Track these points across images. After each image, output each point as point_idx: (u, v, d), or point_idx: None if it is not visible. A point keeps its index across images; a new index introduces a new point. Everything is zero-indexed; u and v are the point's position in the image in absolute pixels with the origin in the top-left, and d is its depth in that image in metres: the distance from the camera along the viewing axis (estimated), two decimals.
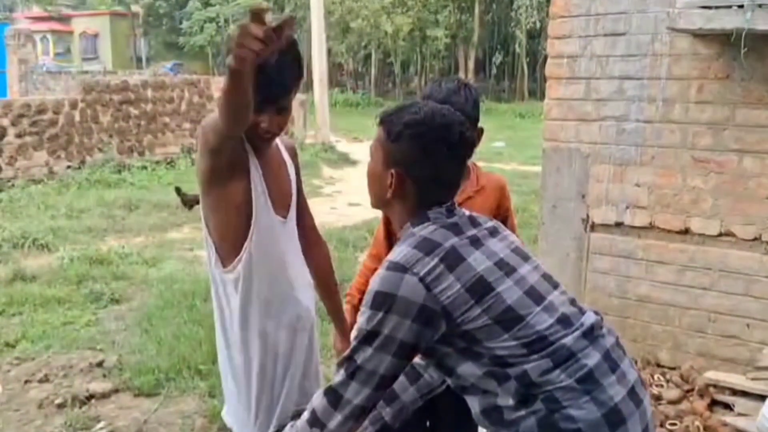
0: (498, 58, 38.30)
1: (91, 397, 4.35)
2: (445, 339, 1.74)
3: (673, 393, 4.21)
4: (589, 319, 1.80)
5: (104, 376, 4.67)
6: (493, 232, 1.90)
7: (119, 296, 6.31)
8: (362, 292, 2.78)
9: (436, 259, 1.73)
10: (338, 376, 1.80)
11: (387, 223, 2.74)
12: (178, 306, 5.89)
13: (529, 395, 1.68)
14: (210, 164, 2.09)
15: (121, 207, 10.22)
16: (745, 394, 4.00)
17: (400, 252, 1.78)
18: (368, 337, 1.75)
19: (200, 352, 4.84)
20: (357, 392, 1.77)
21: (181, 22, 43.39)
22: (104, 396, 4.38)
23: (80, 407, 4.22)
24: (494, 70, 39.39)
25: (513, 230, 2.66)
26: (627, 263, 4.67)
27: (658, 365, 4.56)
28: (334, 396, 1.80)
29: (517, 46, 35.76)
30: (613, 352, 1.77)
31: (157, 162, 14.04)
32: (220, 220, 2.17)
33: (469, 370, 1.75)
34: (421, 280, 1.71)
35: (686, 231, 4.45)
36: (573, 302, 1.87)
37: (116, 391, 4.47)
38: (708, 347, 4.45)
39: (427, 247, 1.76)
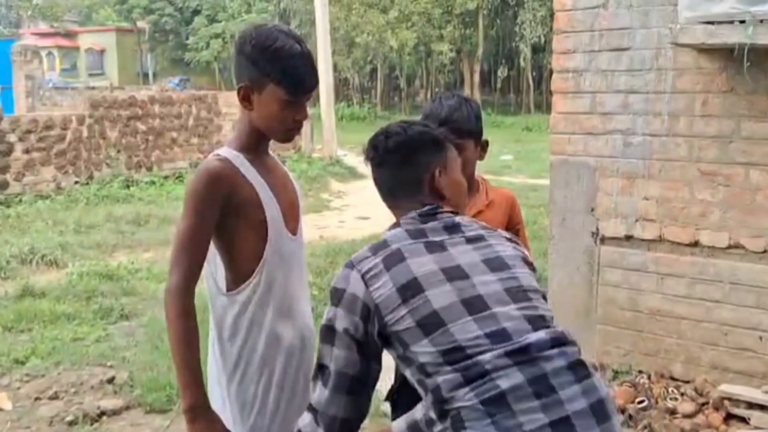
0: (503, 72, 38.43)
1: (102, 414, 4.35)
2: (386, 341, 1.75)
3: (688, 406, 4.20)
4: (533, 338, 1.64)
5: (115, 392, 4.67)
6: (473, 240, 1.85)
7: (129, 312, 6.31)
8: None
9: (378, 259, 1.77)
10: (315, 390, 1.82)
11: None
12: None
13: (443, 410, 1.60)
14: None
15: (129, 222, 10.26)
16: (761, 407, 4.00)
17: (358, 252, 1.85)
18: (327, 334, 1.78)
19: None
20: (332, 401, 1.78)
21: (187, 38, 43.74)
22: (115, 413, 4.39)
23: (91, 424, 4.23)
24: (499, 84, 39.51)
25: (525, 243, 2.65)
26: (638, 276, 4.68)
27: (672, 379, 4.55)
28: (313, 411, 1.82)
29: (521, 60, 35.88)
30: (554, 377, 1.59)
31: (165, 177, 14.12)
32: (233, 243, 2.14)
33: (409, 376, 1.74)
34: (362, 276, 1.75)
35: (696, 243, 4.46)
36: (534, 319, 1.70)
37: (127, 407, 4.48)
38: (721, 360, 4.44)
39: (377, 247, 1.82)
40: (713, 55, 4.27)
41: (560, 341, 1.66)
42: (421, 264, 1.75)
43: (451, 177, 2.00)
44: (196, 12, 43.74)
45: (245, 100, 2.12)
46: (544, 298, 1.82)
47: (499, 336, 1.64)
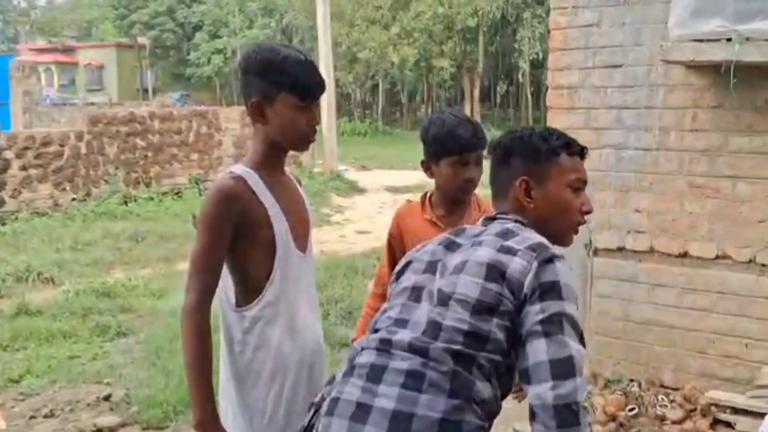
0: (502, 87, 38.64)
1: (98, 431, 4.36)
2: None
3: (676, 413, 4.28)
4: (399, 336, 1.72)
5: (111, 410, 4.66)
6: (474, 243, 1.84)
7: (126, 329, 6.28)
8: (360, 331, 2.78)
9: None
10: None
11: (392, 259, 2.75)
12: None
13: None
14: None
15: (127, 239, 10.21)
16: (745, 412, 4.07)
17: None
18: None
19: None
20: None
21: (188, 54, 43.95)
22: (112, 430, 4.39)
23: None
24: (499, 99, 39.71)
25: None
26: (629, 287, 4.75)
27: (662, 386, 4.62)
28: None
29: (520, 75, 36.09)
30: (388, 373, 1.68)
31: (164, 193, 14.07)
32: (243, 260, 2.17)
33: None
34: None
35: (685, 254, 4.53)
36: (430, 323, 1.72)
37: (124, 425, 4.47)
38: (709, 367, 4.51)
39: None
40: (702, 72, 4.35)
41: (418, 350, 1.67)
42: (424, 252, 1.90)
43: (546, 191, 1.90)
44: (198, 27, 44.03)
45: (258, 115, 2.16)
46: (477, 309, 1.69)
47: (399, 323, 1.77)
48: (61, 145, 12.67)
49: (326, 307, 6.31)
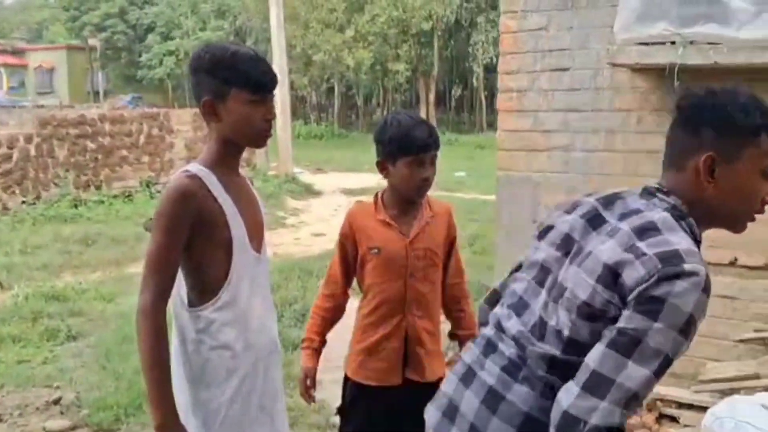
0: (457, 91, 38.99)
1: None
2: None
3: None
4: (505, 320, 1.78)
5: (61, 413, 4.62)
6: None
7: (76, 333, 6.23)
8: (321, 335, 2.83)
9: None
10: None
11: (344, 259, 2.76)
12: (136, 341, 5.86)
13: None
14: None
15: (77, 242, 10.08)
16: (690, 406, 4.18)
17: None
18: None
19: None
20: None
21: (140, 56, 43.44)
22: None
23: None
24: (453, 103, 40.04)
25: (457, 251, 2.86)
26: None
27: None
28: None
29: (474, 79, 36.44)
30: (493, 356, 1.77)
31: (115, 196, 13.88)
32: (199, 260, 2.15)
33: None
34: None
35: None
36: (541, 323, 1.71)
37: (74, 428, 4.44)
38: None
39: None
40: (647, 75, 4.45)
41: (521, 346, 1.69)
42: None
43: (733, 173, 1.64)
44: (150, 29, 43.56)
45: (211, 113, 2.15)
46: (582, 313, 1.60)
47: (519, 307, 1.77)
48: (10, 148, 12.45)
49: (280, 308, 6.31)
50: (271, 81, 2.18)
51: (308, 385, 2.81)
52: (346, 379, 2.81)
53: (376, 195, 2.77)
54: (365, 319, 2.74)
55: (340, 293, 2.82)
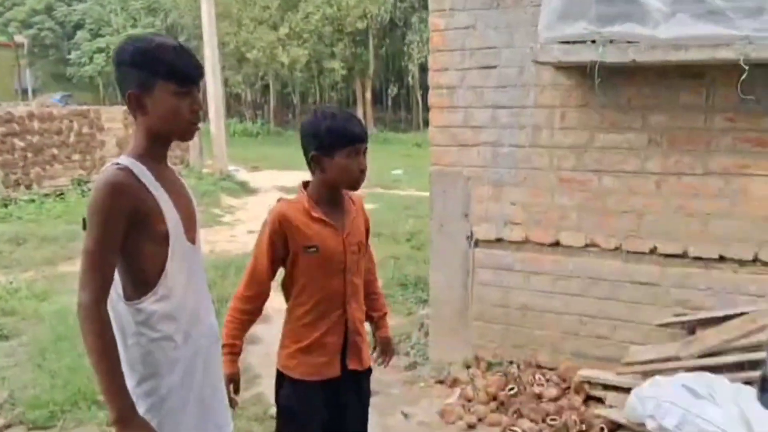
0: (393, 90, 39.13)
1: None
2: None
3: (552, 391, 4.56)
4: None
5: None
6: None
7: (9, 332, 6.15)
8: (241, 339, 2.72)
9: None
10: None
11: (273, 259, 2.67)
12: (72, 339, 5.77)
13: None
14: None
15: (7, 242, 9.88)
16: (615, 388, 4.39)
17: None
18: None
19: (97, 384, 4.84)
20: None
21: (69, 53, 42.32)
22: None
23: None
24: (390, 102, 40.18)
25: (368, 237, 2.92)
26: (507, 275, 5.03)
27: (539, 367, 4.92)
28: None
29: (410, 78, 36.63)
30: None
31: (46, 195, 13.57)
32: (135, 253, 2.13)
33: None
34: None
35: (557, 244, 4.84)
36: None
37: (9, 426, 4.42)
38: (581, 348, 4.84)
39: None
40: (570, 73, 4.64)
41: None
42: None
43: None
44: (79, 26, 42.47)
45: (137, 106, 2.13)
46: None
47: None
48: None
49: (217, 305, 6.24)
50: (196, 72, 2.17)
51: (232, 391, 2.69)
52: (281, 375, 2.77)
53: (304, 192, 2.71)
54: (302, 318, 2.70)
55: (265, 294, 2.74)
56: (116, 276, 2.14)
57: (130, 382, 2.16)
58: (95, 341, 2.02)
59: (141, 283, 2.15)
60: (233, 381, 2.67)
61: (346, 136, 2.59)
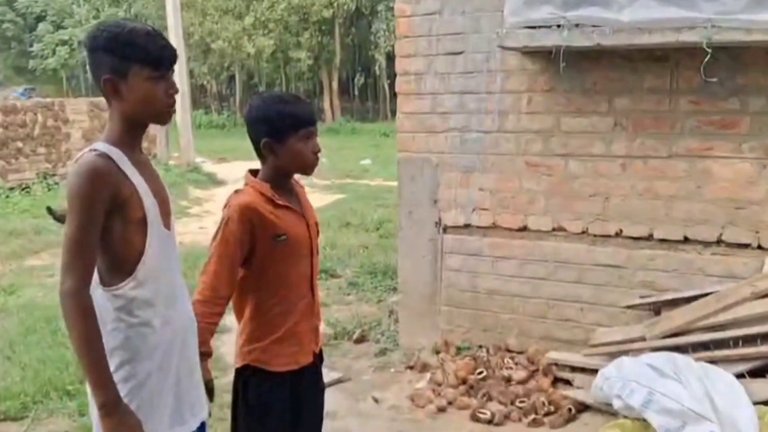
0: (360, 79, 39.02)
1: None
2: None
3: (521, 374, 4.62)
4: None
5: None
6: None
7: None
8: (201, 342, 2.47)
9: None
10: None
11: (240, 256, 2.54)
12: (41, 331, 5.80)
13: None
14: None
15: None
16: (582, 370, 4.47)
17: None
18: None
19: (67, 374, 4.85)
20: None
21: (31, 45, 41.61)
22: None
23: None
24: (357, 92, 40.08)
25: None
26: (475, 260, 5.07)
27: (508, 350, 4.98)
28: None
29: (377, 68, 36.54)
30: None
31: (11, 189, 13.37)
32: (113, 238, 2.11)
33: None
34: None
35: (524, 228, 4.89)
36: None
37: None
38: (549, 331, 4.90)
39: None
40: (536, 58, 4.67)
41: None
42: None
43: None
44: (40, 18, 41.71)
45: (113, 92, 2.10)
46: None
47: None
48: None
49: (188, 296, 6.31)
50: (171, 56, 2.17)
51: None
52: (249, 373, 2.67)
53: (255, 180, 2.63)
54: (272, 309, 2.63)
55: (231, 293, 2.60)
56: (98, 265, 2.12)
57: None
58: (79, 327, 2.01)
59: (118, 269, 2.13)
60: (211, 388, 2.55)
61: (298, 119, 2.55)
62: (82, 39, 34.55)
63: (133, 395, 2.17)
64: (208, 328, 2.52)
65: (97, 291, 2.13)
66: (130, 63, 2.08)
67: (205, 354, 2.51)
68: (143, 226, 2.14)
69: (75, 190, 2.03)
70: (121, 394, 2.12)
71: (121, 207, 2.09)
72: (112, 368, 2.13)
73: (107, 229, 2.08)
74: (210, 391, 2.55)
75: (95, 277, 2.13)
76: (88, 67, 2.18)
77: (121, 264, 2.13)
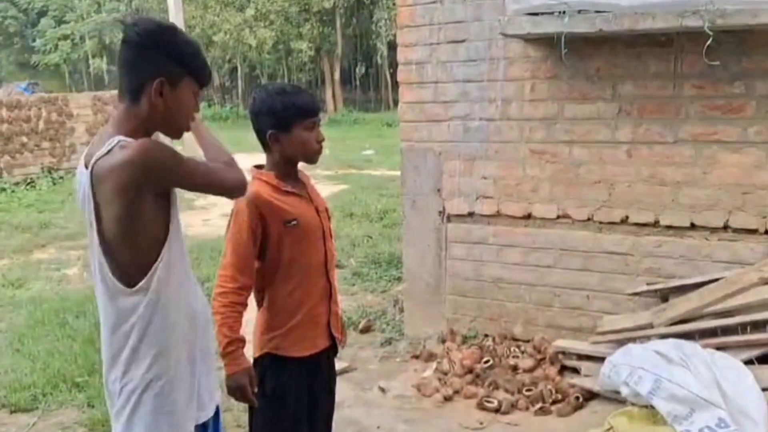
0: (362, 69, 38.91)
1: None
2: None
3: (527, 362, 4.61)
4: None
5: None
6: None
7: None
8: (234, 331, 2.56)
9: None
10: None
11: (255, 244, 2.60)
12: (49, 324, 5.85)
13: None
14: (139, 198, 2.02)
15: None
16: (589, 358, 4.45)
17: None
18: None
19: (76, 366, 4.89)
20: None
21: (33, 41, 41.63)
22: None
23: None
24: (359, 81, 39.98)
25: None
26: (480, 249, 5.06)
27: (514, 339, 4.97)
28: None
29: (379, 57, 36.44)
30: None
31: (17, 183, 13.48)
32: (139, 236, 2.04)
33: None
34: None
35: (529, 216, 4.88)
36: None
37: None
38: (555, 319, 4.89)
39: None
40: (538, 45, 4.65)
41: None
42: None
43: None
44: (42, 13, 41.73)
45: (159, 93, 2.06)
46: None
47: None
48: None
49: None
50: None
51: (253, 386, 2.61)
52: (268, 361, 2.71)
53: (262, 173, 2.70)
54: (290, 295, 2.67)
55: (251, 283, 2.66)
56: (105, 267, 2.07)
57: (138, 369, 2.11)
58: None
59: (136, 270, 2.06)
60: (252, 376, 2.59)
61: (303, 110, 2.63)
62: (83, 34, 34.27)
63: (170, 388, 2.14)
64: (229, 316, 2.57)
65: (121, 294, 2.08)
66: (186, 73, 2.12)
67: (241, 342, 2.57)
68: (167, 222, 2.10)
69: (172, 160, 2.08)
70: (154, 392, 2.11)
71: (162, 200, 2.08)
72: (144, 366, 2.10)
73: (141, 216, 2.01)
74: (251, 378, 2.59)
75: (116, 281, 2.07)
76: (133, 57, 2.11)
77: (139, 263, 2.06)
